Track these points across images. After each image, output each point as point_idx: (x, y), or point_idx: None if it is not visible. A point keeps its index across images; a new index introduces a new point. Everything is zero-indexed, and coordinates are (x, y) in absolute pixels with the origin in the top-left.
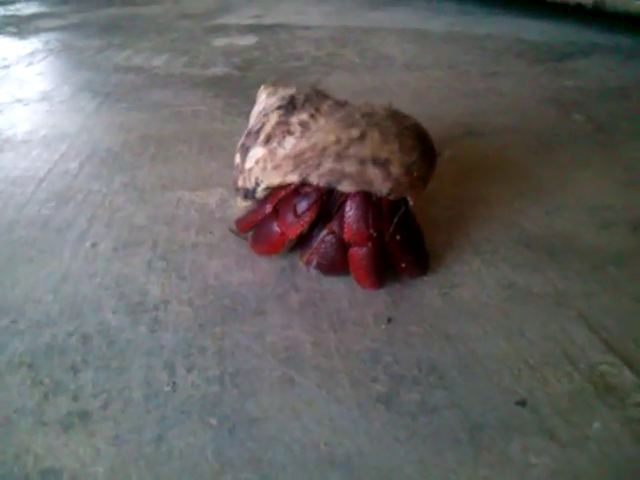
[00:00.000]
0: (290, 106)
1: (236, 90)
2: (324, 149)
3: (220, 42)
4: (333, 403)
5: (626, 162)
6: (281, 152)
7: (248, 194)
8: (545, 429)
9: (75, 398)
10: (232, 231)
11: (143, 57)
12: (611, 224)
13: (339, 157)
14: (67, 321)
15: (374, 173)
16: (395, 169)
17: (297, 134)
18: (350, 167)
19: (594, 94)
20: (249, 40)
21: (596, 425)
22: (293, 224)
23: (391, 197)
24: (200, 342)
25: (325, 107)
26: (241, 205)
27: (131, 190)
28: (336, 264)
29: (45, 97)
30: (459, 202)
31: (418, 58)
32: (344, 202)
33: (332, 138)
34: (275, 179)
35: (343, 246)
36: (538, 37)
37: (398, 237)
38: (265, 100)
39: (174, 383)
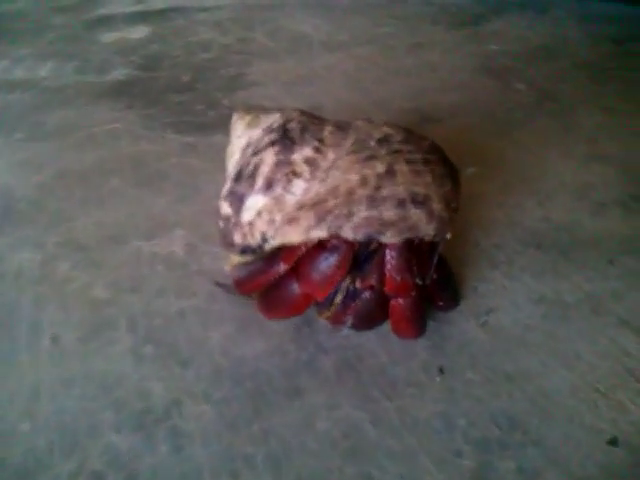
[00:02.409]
0: (286, 140)
1: (149, 97)
2: (350, 193)
3: (109, 37)
4: None
5: (582, 133)
6: (291, 199)
7: (248, 250)
8: None
9: None
10: (220, 287)
11: (25, 67)
12: (601, 206)
13: (372, 201)
14: (64, 457)
15: (416, 215)
16: (436, 205)
17: (306, 175)
18: (389, 212)
19: (522, 57)
20: (142, 31)
21: None
22: (321, 284)
23: (437, 238)
24: (241, 449)
25: (327, 135)
26: (235, 261)
27: (73, 251)
28: (375, 320)
29: None
30: None
31: (333, 35)
32: (378, 251)
33: (355, 178)
34: (294, 236)
35: (382, 299)
36: None
37: (435, 276)
38: (246, 132)
39: None
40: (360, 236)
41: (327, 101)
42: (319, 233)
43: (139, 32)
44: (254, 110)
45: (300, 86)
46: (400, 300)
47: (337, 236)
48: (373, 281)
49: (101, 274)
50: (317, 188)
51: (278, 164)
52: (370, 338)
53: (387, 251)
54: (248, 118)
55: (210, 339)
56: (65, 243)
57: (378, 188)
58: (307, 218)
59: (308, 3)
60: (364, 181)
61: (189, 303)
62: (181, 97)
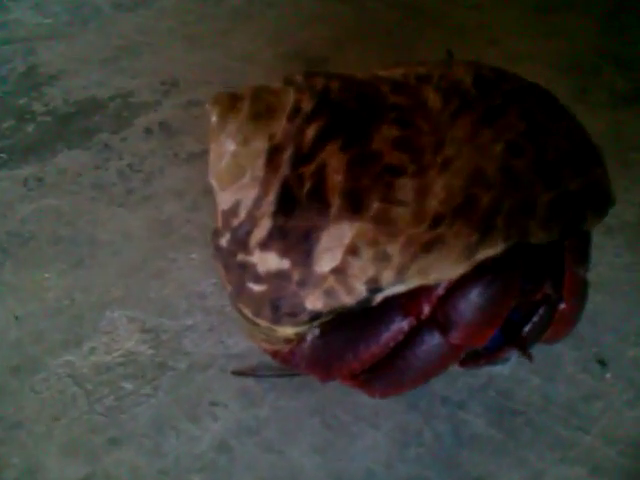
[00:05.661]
0: (346, 124)
1: None
2: (508, 173)
3: None
4: None
5: (478, 36)
6: (402, 212)
7: (319, 316)
8: None
9: None
10: (250, 375)
11: None
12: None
13: (546, 175)
14: None
15: (599, 174)
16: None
17: (409, 167)
18: (573, 183)
19: None
20: None
21: None
22: (485, 326)
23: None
24: None
25: (393, 97)
26: (285, 333)
27: None
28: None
29: None
30: None
31: None
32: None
33: (499, 148)
34: (447, 267)
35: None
36: None
37: None
38: (257, 130)
39: None
40: (557, 233)
41: (181, 71)
42: (491, 251)
43: None
44: (239, 94)
45: (129, 60)
46: (573, 300)
47: (520, 245)
48: (548, 288)
49: (39, 437)
50: (443, 182)
51: (354, 164)
52: (496, 367)
53: (568, 247)
54: (246, 109)
55: (302, 465)
56: None
57: (540, 153)
58: (460, 233)
59: None
60: (515, 149)
61: (219, 425)
62: None
